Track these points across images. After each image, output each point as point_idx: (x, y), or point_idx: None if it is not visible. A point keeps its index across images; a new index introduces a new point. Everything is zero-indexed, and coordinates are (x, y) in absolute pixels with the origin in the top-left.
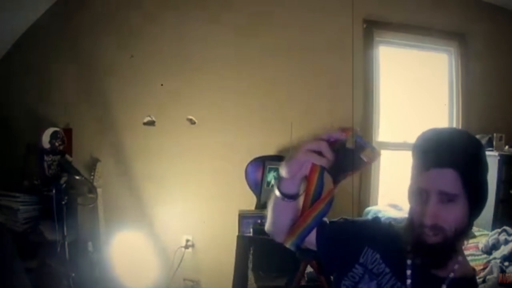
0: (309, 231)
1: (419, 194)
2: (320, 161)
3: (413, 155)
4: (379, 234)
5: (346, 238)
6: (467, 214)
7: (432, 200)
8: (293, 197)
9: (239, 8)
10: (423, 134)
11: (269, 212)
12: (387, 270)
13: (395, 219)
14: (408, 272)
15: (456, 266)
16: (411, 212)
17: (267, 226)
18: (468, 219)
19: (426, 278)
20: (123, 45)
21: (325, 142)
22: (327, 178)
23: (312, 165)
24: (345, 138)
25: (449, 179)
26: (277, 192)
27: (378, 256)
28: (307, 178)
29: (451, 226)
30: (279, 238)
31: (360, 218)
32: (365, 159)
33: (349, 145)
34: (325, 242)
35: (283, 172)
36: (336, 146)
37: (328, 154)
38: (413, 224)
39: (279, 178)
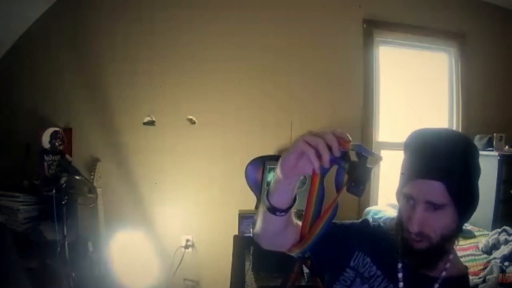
0: (319, 239)
1: (407, 199)
2: (314, 160)
3: (404, 153)
4: (369, 237)
5: (336, 242)
6: (455, 220)
7: (418, 208)
8: (285, 211)
9: (239, 8)
10: (414, 135)
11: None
12: (379, 272)
13: (386, 220)
14: (400, 274)
15: (448, 265)
16: (399, 212)
17: (255, 231)
18: (457, 224)
19: (419, 279)
20: (123, 45)
21: (324, 142)
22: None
23: (313, 173)
24: (347, 149)
25: (436, 191)
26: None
27: (368, 259)
28: (309, 191)
29: (436, 233)
30: (264, 245)
31: (348, 221)
32: (370, 166)
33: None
34: (316, 247)
35: (278, 170)
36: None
37: (326, 155)
38: (401, 227)
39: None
